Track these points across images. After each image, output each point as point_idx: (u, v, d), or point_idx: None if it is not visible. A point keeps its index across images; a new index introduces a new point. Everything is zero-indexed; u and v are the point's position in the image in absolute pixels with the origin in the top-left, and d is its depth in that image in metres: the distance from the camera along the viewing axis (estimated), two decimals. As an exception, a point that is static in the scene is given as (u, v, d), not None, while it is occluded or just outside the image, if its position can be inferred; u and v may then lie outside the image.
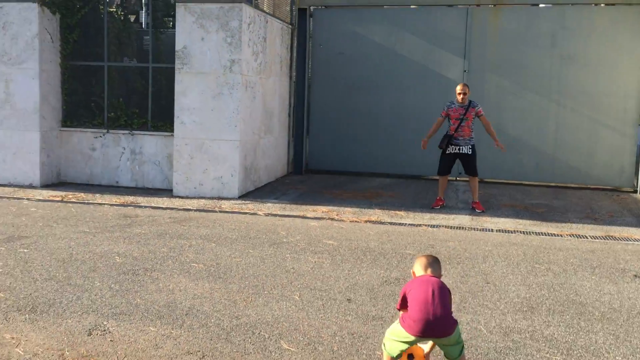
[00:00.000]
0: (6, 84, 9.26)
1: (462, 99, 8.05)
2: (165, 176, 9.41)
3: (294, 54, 11.15)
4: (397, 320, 3.33)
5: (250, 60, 9.00)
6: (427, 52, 10.95)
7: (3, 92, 9.28)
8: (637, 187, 10.10)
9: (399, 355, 3.28)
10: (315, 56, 11.48)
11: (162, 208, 7.97)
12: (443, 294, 3.24)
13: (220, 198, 8.72)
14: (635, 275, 5.47)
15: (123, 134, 9.50)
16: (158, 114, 9.51)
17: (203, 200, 8.60)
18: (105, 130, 9.56)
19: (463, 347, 3.31)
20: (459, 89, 8.11)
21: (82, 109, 9.78)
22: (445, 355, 3.33)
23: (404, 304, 3.31)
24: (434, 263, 3.44)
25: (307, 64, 11.29)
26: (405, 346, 3.24)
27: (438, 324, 3.16)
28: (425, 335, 3.19)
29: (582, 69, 10.44)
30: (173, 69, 8.91)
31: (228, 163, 8.77)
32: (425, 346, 3.48)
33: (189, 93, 8.76)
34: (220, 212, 7.84)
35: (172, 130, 9.07)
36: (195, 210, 7.86)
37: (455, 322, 3.26)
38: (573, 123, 10.52)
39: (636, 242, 6.76)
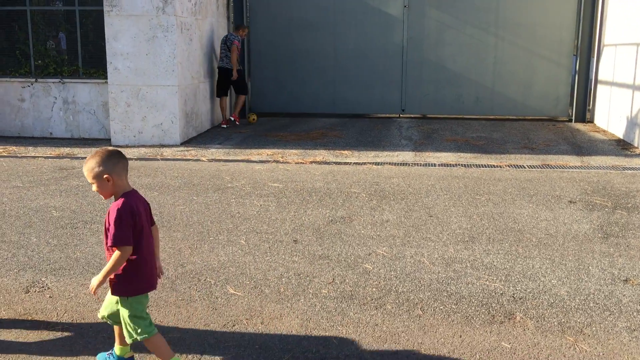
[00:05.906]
0: None
1: None
2: (102, 125, 9.06)
3: (230, -7, 10.73)
4: None
5: (184, 0, 8.61)
6: (367, -13, 10.75)
7: None
8: (572, 116, 10.41)
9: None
10: (253, -6, 11.11)
11: (100, 159, 7.70)
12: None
13: (161, 145, 8.49)
14: (570, 201, 5.68)
15: (53, 82, 9.02)
16: (89, 61, 9.07)
17: (144, 148, 8.35)
18: (33, 80, 9.05)
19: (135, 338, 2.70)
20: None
21: (5, 58, 9.21)
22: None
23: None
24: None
25: (245, 3, 10.90)
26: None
27: None
28: None
29: (519, 1, 10.48)
30: (101, 12, 8.43)
31: (167, 109, 8.50)
32: None
33: (121, 37, 8.34)
34: (162, 159, 7.65)
35: (105, 77, 8.67)
36: (136, 159, 7.63)
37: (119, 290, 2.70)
38: (511, 56, 10.64)
39: (571, 170, 7.01)
